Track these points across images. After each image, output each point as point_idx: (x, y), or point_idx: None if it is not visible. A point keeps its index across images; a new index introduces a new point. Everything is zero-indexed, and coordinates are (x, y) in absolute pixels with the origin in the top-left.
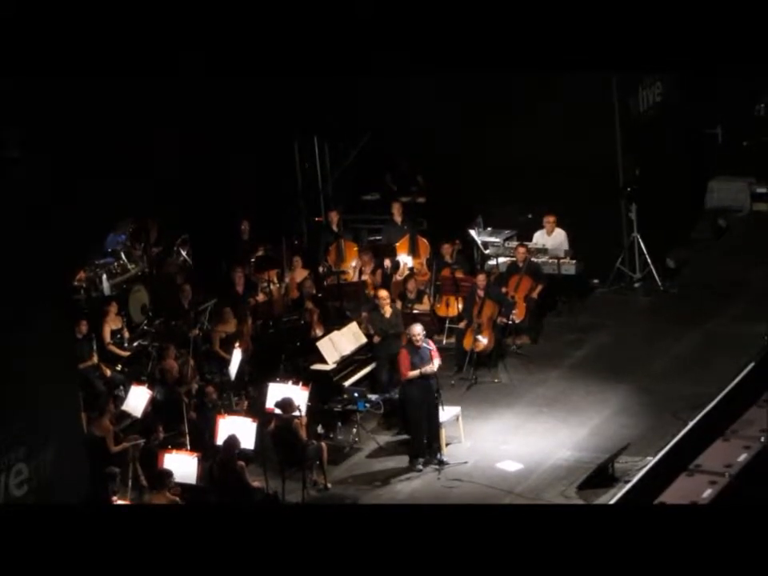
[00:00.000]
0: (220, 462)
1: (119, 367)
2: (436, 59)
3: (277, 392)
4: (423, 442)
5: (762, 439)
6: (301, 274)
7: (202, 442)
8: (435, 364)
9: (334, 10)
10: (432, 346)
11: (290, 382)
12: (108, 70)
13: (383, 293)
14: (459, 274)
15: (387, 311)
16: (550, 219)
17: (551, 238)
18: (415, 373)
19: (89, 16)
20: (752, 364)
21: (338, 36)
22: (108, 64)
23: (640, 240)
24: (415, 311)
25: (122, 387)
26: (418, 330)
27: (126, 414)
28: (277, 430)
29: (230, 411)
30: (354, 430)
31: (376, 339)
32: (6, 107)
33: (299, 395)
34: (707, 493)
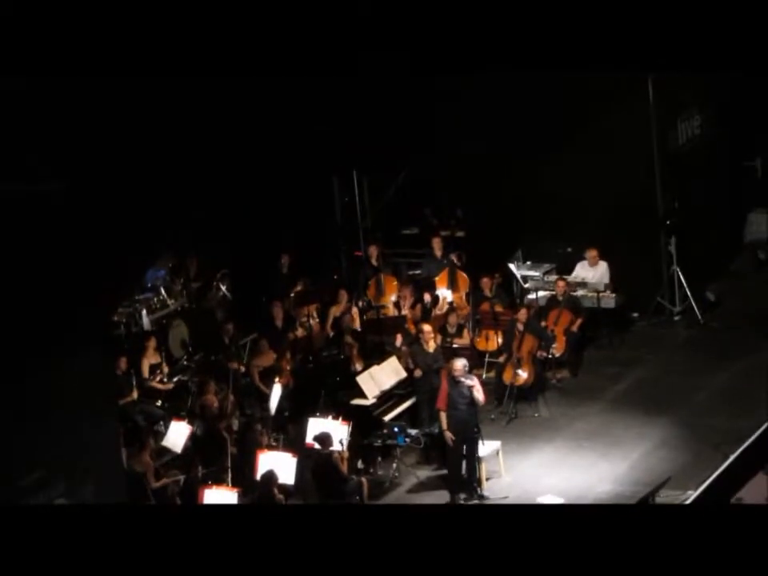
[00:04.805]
0: (258, 497)
1: (159, 402)
2: (437, 61)
3: (316, 427)
4: (461, 478)
5: None
6: (345, 307)
7: (242, 477)
8: (479, 397)
9: (332, 7)
10: (475, 381)
11: (330, 417)
12: (113, 70)
13: (427, 327)
14: (498, 308)
15: (430, 346)
16: (592, 253)
17: (593, 270)
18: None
19: (95, 16)
20: None
21: (335, 34)
22: (112, 65)
23: (680, 273)
24: (455, 345)
25: (161, 422)
26: (460, 365)
27: (166, 450)
28: (317, 465)
29: (270, 447)
30: (394, 465)
31: (417, 373)
32: (48, 140)
33: (339, 430)
34: None
